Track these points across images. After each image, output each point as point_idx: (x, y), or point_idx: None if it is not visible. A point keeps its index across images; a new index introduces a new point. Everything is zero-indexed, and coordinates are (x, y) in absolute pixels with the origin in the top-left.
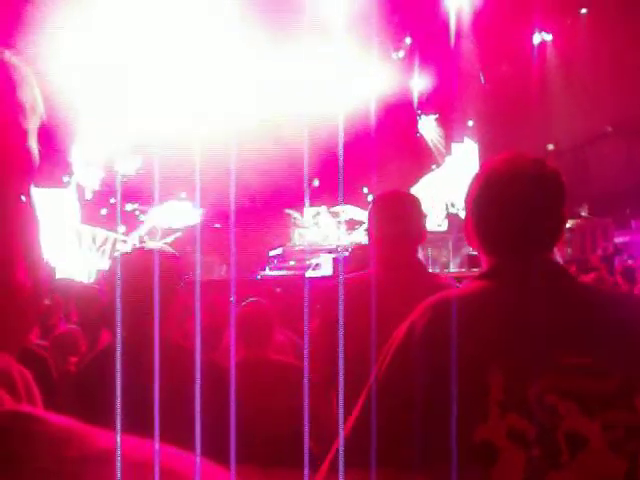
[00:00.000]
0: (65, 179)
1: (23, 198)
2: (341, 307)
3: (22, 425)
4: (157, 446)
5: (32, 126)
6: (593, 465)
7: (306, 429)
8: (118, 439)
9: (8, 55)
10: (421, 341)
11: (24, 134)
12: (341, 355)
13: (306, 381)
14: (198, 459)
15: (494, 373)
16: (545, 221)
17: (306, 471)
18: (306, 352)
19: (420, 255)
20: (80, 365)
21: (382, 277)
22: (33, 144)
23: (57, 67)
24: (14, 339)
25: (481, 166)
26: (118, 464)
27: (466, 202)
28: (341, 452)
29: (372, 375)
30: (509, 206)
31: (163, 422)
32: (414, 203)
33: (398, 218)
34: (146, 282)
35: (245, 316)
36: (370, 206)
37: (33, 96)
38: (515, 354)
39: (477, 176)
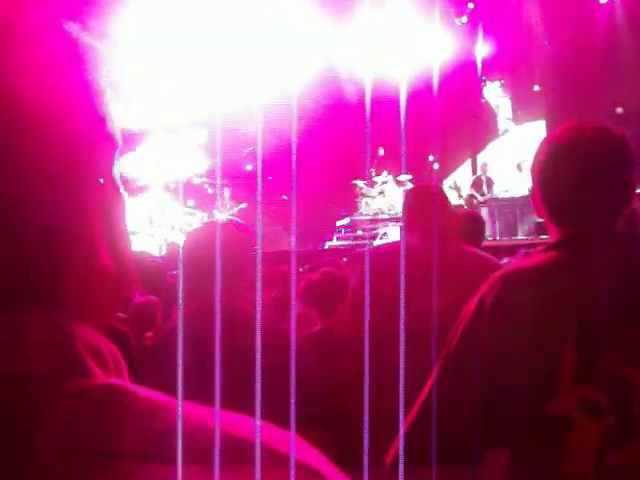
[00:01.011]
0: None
1: (101, 180)
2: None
3: (113, 397)
4: (252, 421)
5: (109, 106)
6: None
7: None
8: (202, 412)
9: (82, 34)
10: (491, 315)
11: (102, 115)
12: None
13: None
14: (293, 436)
15: (565, 346)
16: (613, 189)
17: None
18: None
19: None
20: (155, 340)
21: (412, 249)
22: (112, 125)
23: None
24: (102, 318)
25: (547, 135)
26: (206, 438)
27: (532, 172)
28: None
29: (443, 350)
30: (575, 176)
31: (236, 395)
32: (436, 196)
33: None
34: (211, 257)
35: (319, 286)
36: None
37: (109, 75)
38: (586, 327)
39: (543, 145)
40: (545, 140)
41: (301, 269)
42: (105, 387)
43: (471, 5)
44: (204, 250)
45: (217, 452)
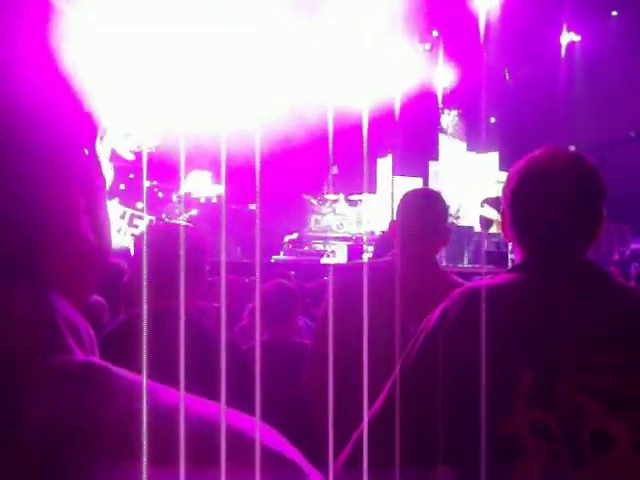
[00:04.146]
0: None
1: (86, 151)
2: (346, 293)
3: (94, 376)
4: (222, 406)
5: (91, 85)
6: (616, 465)
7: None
8: (182, 395)
9: (70, 12)
10: (452, 329)
11: (84, 92)
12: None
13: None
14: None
15: (523, 367)
16: (582, 218)
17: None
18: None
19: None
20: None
21: (388, 268)
22: (94, 102)
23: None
24: (81, 292)
25: (524, 157)
26: (182, 418)
27: (504, 194)
28: (365, 438)
29: (400, 361)
30: (546, 201)
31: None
32: (440, 202)
33: (421, 214)
34: (172, 258)
35: (269, 296)
36: (400, 200)
37: (96, 59)
38: (545, 349)
39: (517, 168)
40: (522, 161)
41: (247, 280)
42: (86, 365)
43: (435, 33)
44: (161, 251)
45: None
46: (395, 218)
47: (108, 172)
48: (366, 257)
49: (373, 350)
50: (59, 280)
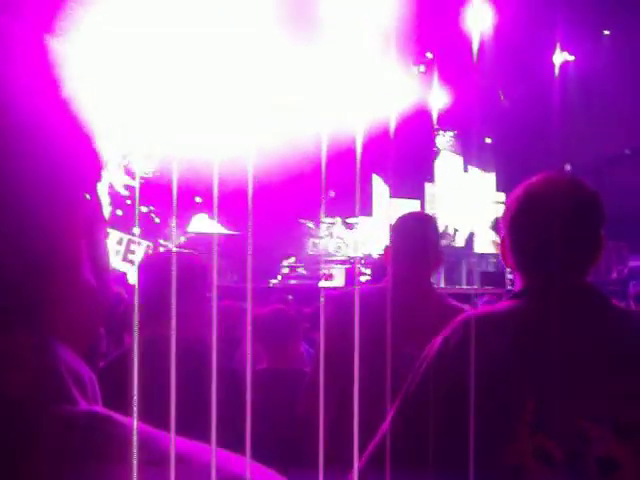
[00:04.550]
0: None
1: (88, 196)
2: (343, 318)
3: (100, 426)
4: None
5: (97, 125)
6: None
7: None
8: (188, 444)
9: (75, 59)
10: (454, 357)
11: (87, 132)
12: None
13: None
14: (269, 472)
15: (526, 394)
16: (582, 242)
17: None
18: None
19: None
20: (101, 367)
21: (386, 293)
22: (97, 143)
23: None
24: (83, 338)
25: (523, 183)
26: (193, 469)
27: (503, 220)
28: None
29: (404, 389)
30: (546, 227)
31: (184, 429)
32: (433, 225)
33: (415, 237)
34: (171, 285)
35: (268, 323)
36: (393, 224)
37: (98, 97)
38: (546, 376)
39: (515, 195)
40: (520, 188)
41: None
42: (91, 415)
43: (430, 54)
44: (162, 279)
45: None
46: (388, 242)
47: (106, 204)
48: (364, 279)
49: (370, 377)
50: (61, 328)
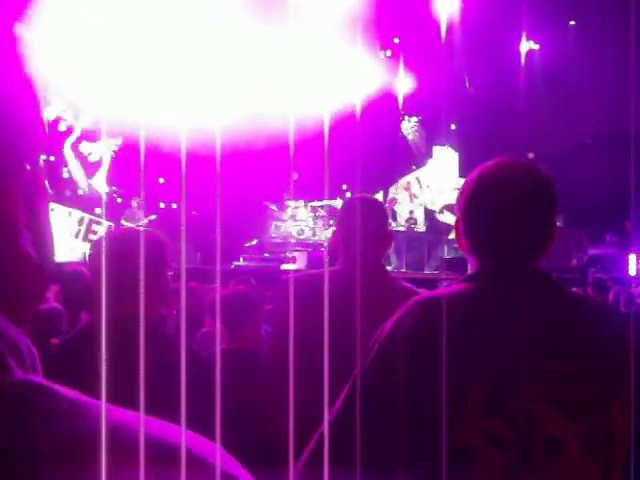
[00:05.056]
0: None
1: (27, 167)
2: (291, 302)
3: (33, 395)
4: (173, 426)
5: (41, 97)
6: (568, 470)
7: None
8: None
9: (18, 27)
10: (406, 339)
11: (35, 104)
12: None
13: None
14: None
15: (476, 375)
16: (535, 227)
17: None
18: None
19: (393, 257)
20: (57, 346)
21: (341, 276)
22: (41, 114)
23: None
24: (24, 308)
25: (477, 167)
26: (126, 437)
27: (458, 204)
28: (324, 447)
29: (355, 371)
30: (500, 211)
31: (148, 405)
32: (380, 208)
33: (363, 220)
34: (132, 264)
35: (227, 303)
36: (340, 208)
37: (41, 68)
38: (498, 358)
39: (470, 178)
40: (475, 171)
41: (208, 287)
42: (24, 384)
43: (396, 40)
44: (121, 257)
45: (141, 452)
46: (337, 226)
47: (80, 176)
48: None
49: (321, 358)
50: None
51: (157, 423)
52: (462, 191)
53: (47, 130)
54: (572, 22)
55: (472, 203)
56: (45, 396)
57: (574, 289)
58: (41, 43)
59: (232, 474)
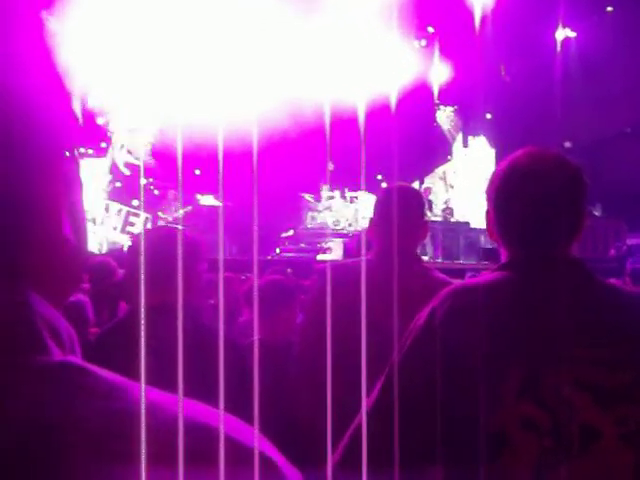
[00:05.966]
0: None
1: (67, 154)
2: (329, 291)
3: (72, 375)
4: (213, 410)
5: (75, 88)
6: (603, 457)
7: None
8: (159, 394)
9: (50, 18)
10: (441, 327)
11: (69, 95)
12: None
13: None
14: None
15: (512, 363)
16: (565, 216)
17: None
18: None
19: (429, 247)
20: (101, 334)
21: (375, 265)
22: (76, 105)
23: (93, 32)
24: (62, 292)
25: (505, 159)
26: (163, 418)
27: (488, 194)
28: (361, 435)
29: (392, 359)
30: (530, 200)
31: (190, 392)
32: (416, 197)
33: (399, 210)
34: (167, 260)
35: (264, 293)
36: (377, 197)
37: (76, 60)
38: (533, 345)
39: (500, 169)
40: (503, 163)
41: (244, 277)
42: (63, 365)
43: (431, 29)
44: (157, 253)
45: (180, 433)
46: (372, 216)
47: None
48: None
49: (359, 349)
50: (39, 280)
51: (195, 405)
52: (492, 181)
53: (82, 121)
54: (610, 8)
55: (502, 193)
56: (84, 376)
57: (612, 279)
58: (76, 37)
59: (270, 457)
